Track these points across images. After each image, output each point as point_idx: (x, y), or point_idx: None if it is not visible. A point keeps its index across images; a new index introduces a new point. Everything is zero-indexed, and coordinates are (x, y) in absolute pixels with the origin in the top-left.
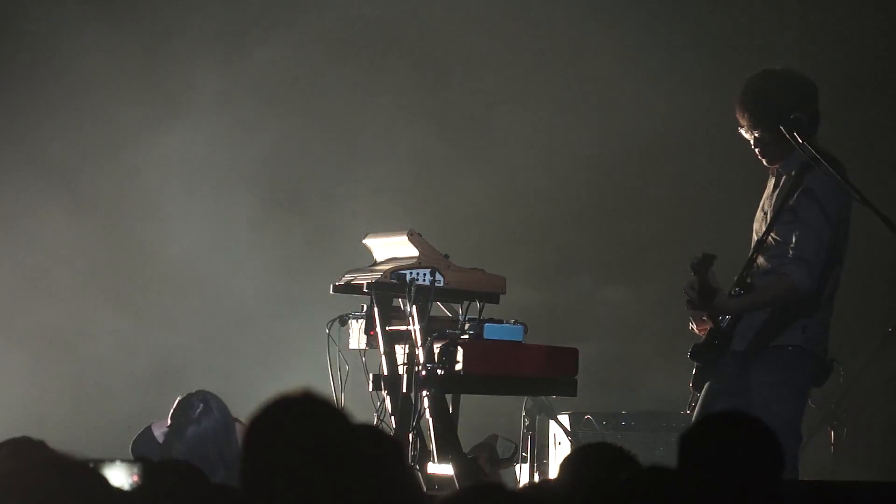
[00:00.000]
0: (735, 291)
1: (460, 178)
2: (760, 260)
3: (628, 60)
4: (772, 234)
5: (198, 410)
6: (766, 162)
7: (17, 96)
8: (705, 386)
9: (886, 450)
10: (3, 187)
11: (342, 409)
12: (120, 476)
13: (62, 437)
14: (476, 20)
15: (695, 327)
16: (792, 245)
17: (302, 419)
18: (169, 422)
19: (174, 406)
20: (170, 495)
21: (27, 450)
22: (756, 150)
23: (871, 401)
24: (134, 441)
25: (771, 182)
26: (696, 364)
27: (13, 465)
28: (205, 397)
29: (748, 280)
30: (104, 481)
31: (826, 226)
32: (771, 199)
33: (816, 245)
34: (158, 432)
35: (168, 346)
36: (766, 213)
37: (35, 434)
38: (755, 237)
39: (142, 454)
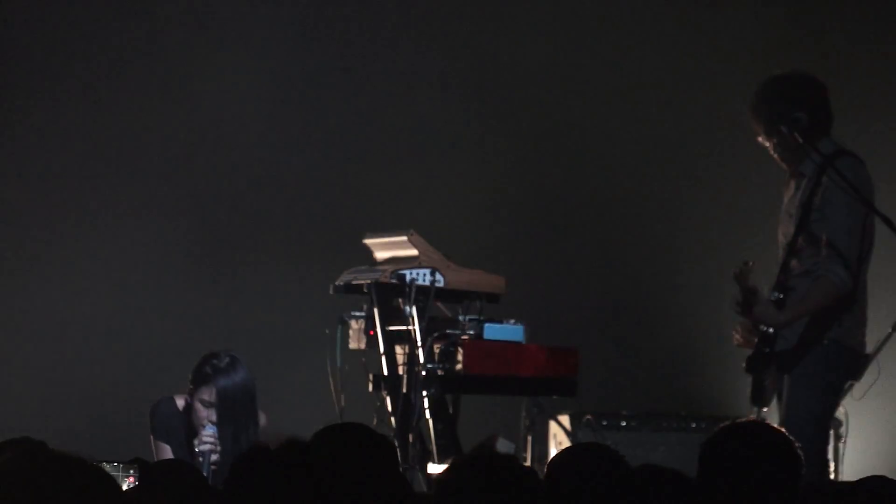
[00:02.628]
0: (774, 296)
1: (461, 178)
2: (794, 262)
3: (636, 61)
4: (801, 237)
5: (225, 362)
6: (786, 166)
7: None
8: (771, 402)
9: (887, 450)
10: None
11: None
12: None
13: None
14: (480, 20)
15: (739, 338)
16: (824, 244)
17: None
18: (190, 377)
19: (197, 362)
20: (169, 496)
21: (28, 450)
22: (775, 155)
23: (872, 401)
24: (155, 408)
25: (792, 184)
26: (752, 379)
27: (14, 465)
28: (230, 353)
29: (786, 283)
30: (107, 481)
31: (853, 219)
32: (794, 201)
33: (847, 240)
34: (181, 402)
35: (165, 345)
36: (791, 216)
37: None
38: (782, 240)
39: (162, 420)
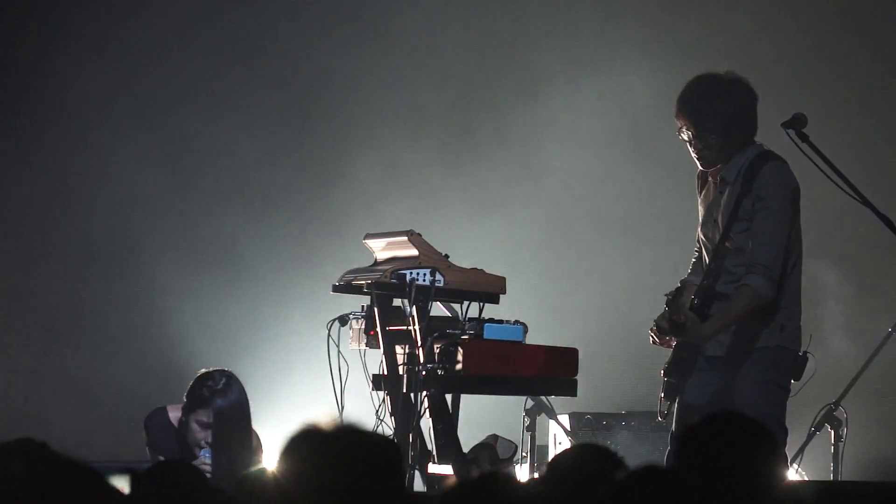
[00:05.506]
0: (694, 303)
1: (462, 177)
2: (719, 268)
3: (637, 59)
4: (728, 242)
5: (221, 383)
6: (703, 165)
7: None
8: (679, 396)
9: (886, 450)
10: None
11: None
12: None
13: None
14: (480, 20)
15: (656, 339)
16: (749, 251)
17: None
18: (186, 398)
19: (193, 382)
20: (170, 498)
21: (30, 451)
22: (695, 153)
23: (871, 401)
24: (148, 420)
25: (710, 186)
26: (664, 378)
27: (16, 466)
28: (225, 373)
29: (711, 289)
30: (106, 483)
31: (781, 229)
32: (719, 205)
33: (774, 249)
34: (173, 414)
35: (166, 345)
36: (716, 221)
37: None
38: (704, 242)
39: (155, 432)
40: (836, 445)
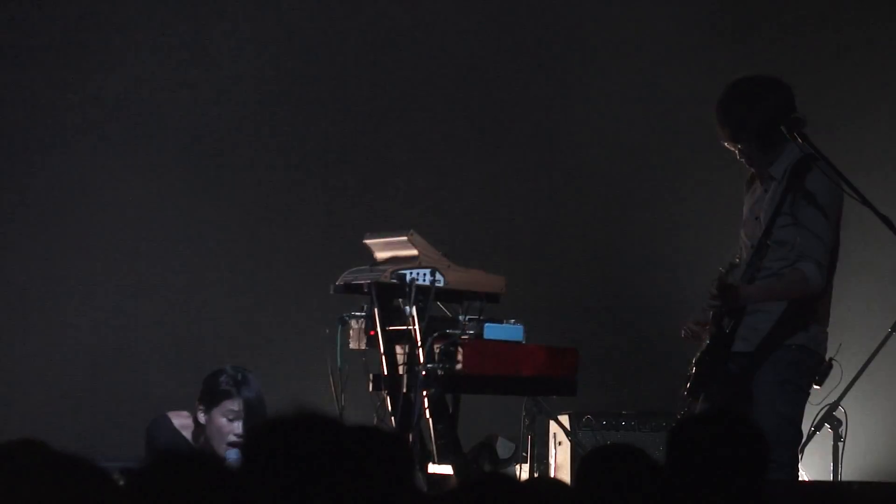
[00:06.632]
0: None
1: (462, 177)
2: (760, 264)
3: (635, 61)
4: (769, 240)
5: (241, 375)
6: (753, 167)
7: None
8: (704, 394)
9: (886, 450)
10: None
11: (336, 421)
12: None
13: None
14: (478, 21)
15: (690, 331)
16: (798, 245)
17: (296, 441)
18: (205, 396)
19: (207, 380)
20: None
21: (28, 451)
22: (741, 156)
23: (871, 401)
24: (151, 428)
25: (758, 185)
26: (691, 372)
27: (15, 466)
28: (237, 367)
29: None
30: (108, 480)
31: (827, 227)
32: (762, 204)
33: (822, 245)
34: (177, 421)
35: (167, 346)
36: (757, 218)
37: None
38: (746, 241)
39: (161, 440)
40: (836, 445)
